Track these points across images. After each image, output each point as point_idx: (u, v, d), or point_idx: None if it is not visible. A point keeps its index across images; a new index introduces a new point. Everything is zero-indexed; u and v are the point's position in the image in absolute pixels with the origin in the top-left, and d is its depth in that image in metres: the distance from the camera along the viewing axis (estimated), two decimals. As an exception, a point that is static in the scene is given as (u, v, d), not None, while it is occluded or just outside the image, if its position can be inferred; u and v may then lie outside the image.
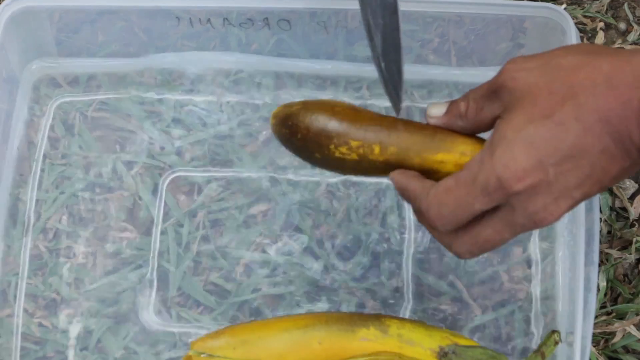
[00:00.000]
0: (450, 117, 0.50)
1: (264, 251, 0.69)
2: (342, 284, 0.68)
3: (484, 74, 0.54)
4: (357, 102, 0.73)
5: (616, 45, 0.80)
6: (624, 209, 0.75)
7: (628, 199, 0.75)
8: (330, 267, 0.68)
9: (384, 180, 0.71)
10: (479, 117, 0.49)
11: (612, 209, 0.74)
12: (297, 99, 0.73)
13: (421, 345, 0.60)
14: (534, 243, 0.69)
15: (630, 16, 0.82)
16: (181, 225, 0.70)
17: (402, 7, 0.52)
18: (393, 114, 0.54)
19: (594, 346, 0.70)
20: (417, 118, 0.71)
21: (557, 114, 0.44)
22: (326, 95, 0.73)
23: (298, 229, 0.69)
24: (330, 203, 0.70)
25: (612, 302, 0.72)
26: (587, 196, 0.45)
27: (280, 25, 0.71)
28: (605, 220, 0.74)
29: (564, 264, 0.67)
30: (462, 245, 0.49)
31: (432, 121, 0.51)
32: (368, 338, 0.60)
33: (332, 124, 0.52)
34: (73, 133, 0.72)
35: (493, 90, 0.47)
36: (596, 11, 0.81)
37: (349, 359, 0.61)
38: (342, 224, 0.70)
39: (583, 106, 0.43)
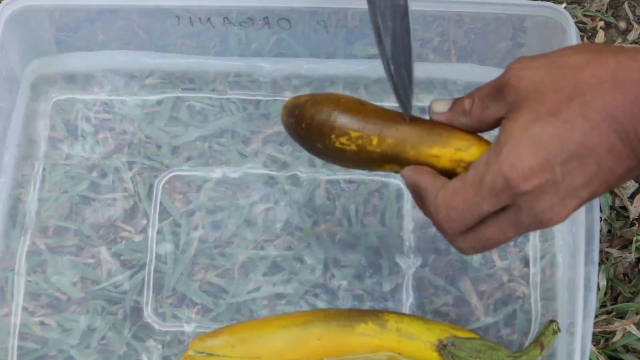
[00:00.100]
0: (453, 114, 0.50)
1: (262, 250, 0.69)
2: (341, 283, 0.68)
3: (485, 73, 0.53)
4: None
5: (616, 45, 0.80)
6: (624, 208, 0.75)
7: (628, 198, 0.75)
8: (330, 266, 0.68)
9: (384, 178, 0.71)
10: (483, 115, 0.49)
11: (612, 208, 0.74)
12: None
13: (420, 339, 0.60)
14: (534, 242, 0.69)
15: (631, 15, 0.82)
16: (179, 225, 0.70)
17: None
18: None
19: (594, 345, 0.70)
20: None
21: (563, 112, 0.44)
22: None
23: (297, 228, 0.70)
24: (329, 201, 0.70)
25: (612, 301, 0.72)
26: (593, 196, 0.45)
27: (281, 24, 0.71)
28: (606, 220, 0.74)
29: (564, 263, 0.67)
30: (466, 241, 0.49)
31: (435, 117, 0.51)
32: (367, 333, 0.60)
33: (335, 115, 0.53)
34: (73, 132, 0.72)
35: (498, 89, 0.47)
36: (596, 10, 0.81)
37: (348, 354, 0.61)
38: (341, 222, 0.70)
39: (590, 104, 0.43)
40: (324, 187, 0.71)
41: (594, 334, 0.69)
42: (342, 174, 0.71)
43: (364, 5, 0.69)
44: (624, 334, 0.69)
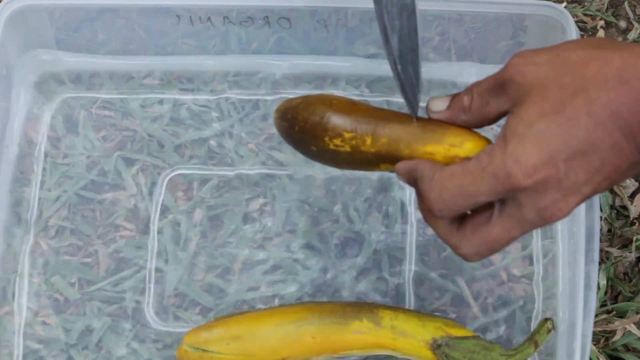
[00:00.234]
0: (453, 112, 0.50)
1: (263, 249, 0.69)
2: (342, 282, 0.68)
3: (485, 72, 0.53)
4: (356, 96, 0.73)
5: (616, 44, 0.80)
6: (624, 208, 0.75)
7: (628, 197, 0.75)
8: (330, 265, 0.68)
9: (385, 177, 0.71)
10: (483, 111, 0.48)
11: (612, 207, 0.74)
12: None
13: (414, 337, 0.60)
14: (535, 241, 0.69)
15: (631, 14, 0.82)
16: (179, 224, 0.70)
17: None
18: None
19: (594, 344, 0.70)
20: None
21: (568, 109, 0.44)
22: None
23: (298, 226, 0.70)
24: (329, 200, 0.70)
25: (612, 301, 0.72)
26: (595, 192, 0.45)
27: (281, 23, 0.71)
28: (606, 219, 0.74)
29: (564, 262, 0.67)
30: (471, 246, 0.48)
31: (434, 116, 0.51)
32: (361, 331, 0.60)
33: (327, 116, 0.53)
34: (73, 131, 0.72)
35: (500, 84, 0.47)
36: (596, 9, 0.81)
37: (343, 352, 0.61)
38: (342, 221, 0.70)
39: (594, 101, 0.43)
40: (323, 186, 0.71)
41: (594, 333, 0.69)
42: (342, 173, 0.71)
43: (364, 5, 0.69)
44: (624, 334, 0.70)
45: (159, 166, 0.71)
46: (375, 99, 0.73)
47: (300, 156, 0.61)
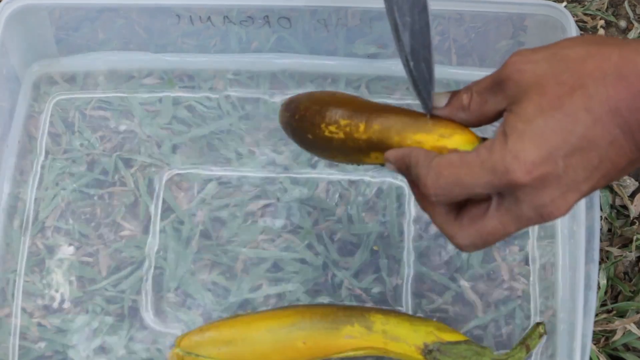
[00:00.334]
0: (452, 109, 0.50)
1: (264, 249, 0.69)
2: (342, 281, 0.68)
3: (486, 72, 0.53)
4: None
5: (616, 43, 0.80)
6: (625, 207, 0.75)
7: (628, 196, 0.75)
8: (331, 264, 0.68)
9: (385, 178, 0.71)
10: (482, 109, 0.48)
11: (612, 206, 0.75)
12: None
13: (406, 342, 0.60)
14: (534, 240, 0.69)
15: (631, 14, 0.82)
16: (181, 223, 0.70)
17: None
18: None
19: (595, 344, 0.70)
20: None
21: (566, 105, 0.44)
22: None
23: (298, 226, 0.70)
24: (330, 200, 0.70)
25: (612, 300, 0.72)
26: (593, 189, 0.45)
27: (281, 23, 0.71)
28: (606, 218, 0.74)
29: (564, 261, 0.67)
30: (466, 237, 0.48)
31: (436, 112, 0.51)
32: (353, 335, 0.60)
33: (327, 105, 0.54)
34: (73, 131, 0.72)
35: (498, 83, 0.47)
36: (597, 9, 0.81)
37: (335, 356, 0.61)
38: (342, 221, 0.70)
39: (593, 97, 0.43)
40: (324, 186, 0.71)
41: (594, 333, 0.69)
42: (343, 174, 0.71)
43: (365, 4, 0.69)
44: (624, 333, 0.70)
45: (159, 165, 0.71)
46: (375, 99, 0.73)
47: (300, 156, 0.61)
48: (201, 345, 0.61)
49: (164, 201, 0.70)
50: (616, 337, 0.70)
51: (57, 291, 0.68)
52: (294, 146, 0.71)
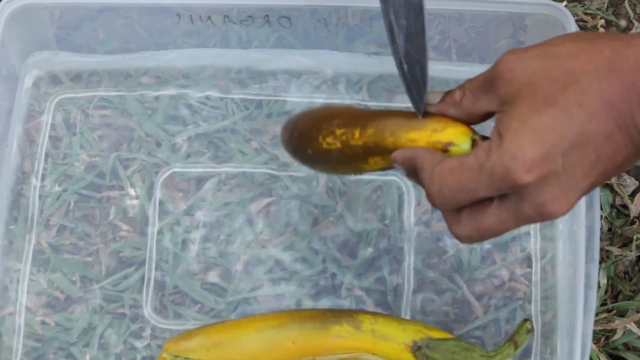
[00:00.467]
0: (444, 105, 0.50)
1: (264, 248, 0.69)
2: (342, 281, 0.68)
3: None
4: (357, 99, 0.73)
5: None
6: (625, 207, 0.75)
7: (629, 196, 0.75)
8: (331, 265, 0.68)
9: (385, 177, 0.71)
10: (473, 107, 0.48)
11: (612, 206, 0.74)
12: (297, 96, 0.73)
13: (395, 340, 0.60)
14: (535, 240, 0.69)
15: (631, 13, 0.82)
16: (179, 223, 0.70)
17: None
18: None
19: (595, 343, 0.70)
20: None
21: (560, 101, 0.43)
22: (326, 93, 0.73)
23: (298, 226, 0.69)
24: (330, 200, 0.70)
25: (612, 300, 0.72)
26: (592, 187, 0.45)
27: (281, 22, 0.71)
28: (606, 218, 0.74)
29: (564, 261, 0.67)
30: (464, 229, 0.48)
31: (428, 109, 0.51)
32: (341, 335, 0.60)
33: (323, 118, 0.55)
34: (73, 130, 0.72)
35: (489, 81, 0.47)
36: (597, 8, 0.81)
37: (324, 357, 0.61)
38: (342, 220, 0.70)
39: (586, 91, 0.43)
40: (324, 186, 0.70)
41: (595, 332, 0.69)
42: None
43: (365, 3, 0.69)
44: (624, 332, 0.70)
45: (158, 164, 0.71)
46: (375, 99, 0.73)
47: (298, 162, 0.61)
48: (190, 349, 0.61)
49: (162, 201, 0.70)
50: (616, 337, 0.70)
51: (58, 290, 0.68)
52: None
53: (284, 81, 0.74)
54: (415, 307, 0.67)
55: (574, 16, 0.67)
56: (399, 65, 0.50)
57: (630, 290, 0.71)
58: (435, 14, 0.71)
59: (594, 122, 0.43)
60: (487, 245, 0.69)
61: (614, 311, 0.70)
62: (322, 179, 0.71)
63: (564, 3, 0.81)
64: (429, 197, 0.48)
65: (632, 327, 0.69)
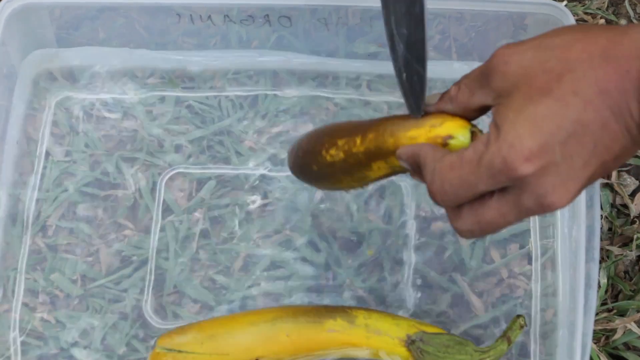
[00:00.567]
0: (441, 102, 0.50)
1: (264, 247, 0.69)
2: (343, 280, 0.68)
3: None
4: (357, 99, 0.73)
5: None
6: (625, 206, 0.75)
7: (629, 195, 0.75)
8: (331, 263, 0.68)
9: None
10: (469, 101, 0.48)
11: (612, 205, 0.74)
12: (297, 96, 0.73)
13: (388, 335, 0.60)
14: (535, 239, 0.69)
15: (631, 13, 0.82)
16: (181, 222, 0.70)
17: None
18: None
19: (595, 343, 0.70)
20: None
21: (555, 91, 0.43)
22: (326, 93, 0.73)
23: (298, 225, 0.70)
24: (330, 199, 0.70)
25: (612, 299, 0.72)
26: (592, 178, 0.45)
27: (281, 22, 0.71)
28: (606, 217, 0.74)
29: (564, 260, 0.67)
30: (464, 223, 0.48)
31: (427, 108, 0.51)
32: (335, 329, 0.60)
33: (325, 132, 0.56)
34: (73, 130, 0.73)
35: (484, 75, 0.47)
36: (597, 8, 0.81)
37: (317, 351, 0.61)
38: (342, 219, 0.70)
39: (581, 80, 0.43)
40: (324, 185, 0.71)
41: (595, 332, 0.69)
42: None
43: (365, 3, 0.69)
44: (624, 332, 0.70)
45: (160, 164, 0.71)
46: (375, 98, 0.73)
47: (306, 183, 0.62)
48: (183, 343, 0.61)
49: (164, 200, 0.70)
50: (616, 336, 0.70)
51: (58, 289, 0.68)
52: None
53: (284, 81, 0.74)
54: (416, 306, 0.67)
55: (574, 16, 0.67)
56: (398, 74, 0.50)
57: (630, 290, 0.71)
58: (436, 13, 0.71)
59: (589, 110, 0.43)
60: (486, 243, 0.69)
61: (614, 311, 0.70)
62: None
63: (564, 2, 0.81)
64: (431, 194, 0.48)
65: (633, 326, 0.69)
